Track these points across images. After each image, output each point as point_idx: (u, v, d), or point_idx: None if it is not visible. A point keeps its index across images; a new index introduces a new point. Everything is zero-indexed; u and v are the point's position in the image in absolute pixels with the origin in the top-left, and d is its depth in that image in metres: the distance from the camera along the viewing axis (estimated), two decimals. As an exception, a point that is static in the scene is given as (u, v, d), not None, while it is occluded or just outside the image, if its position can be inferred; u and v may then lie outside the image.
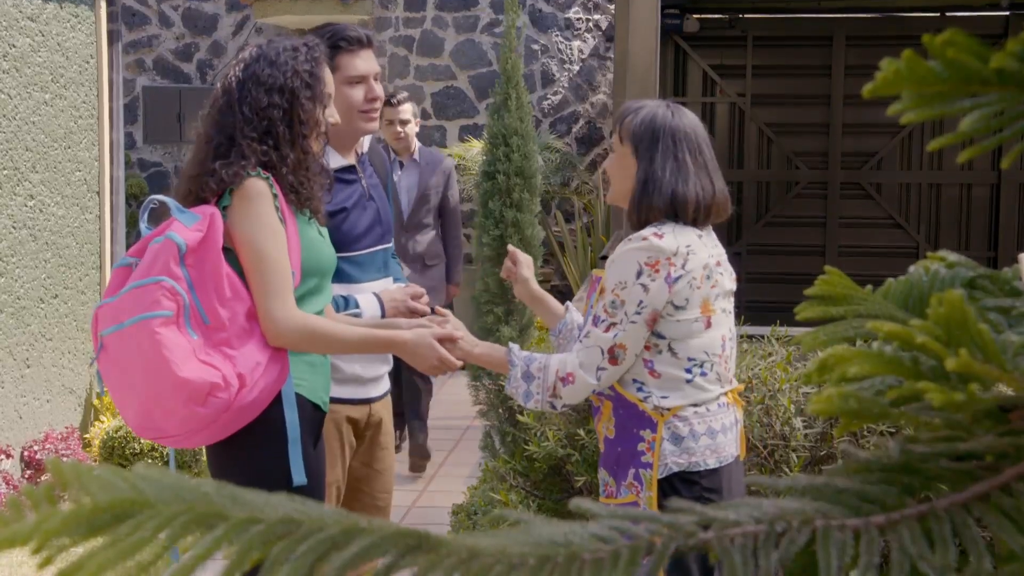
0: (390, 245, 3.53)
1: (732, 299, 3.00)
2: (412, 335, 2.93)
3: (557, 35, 11.54)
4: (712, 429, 2.82)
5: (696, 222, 2.88)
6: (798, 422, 3.55)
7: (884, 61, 0.73)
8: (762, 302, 9.93)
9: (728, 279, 2.96)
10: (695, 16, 10.02)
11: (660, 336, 2.81)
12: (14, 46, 6.02)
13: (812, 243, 10.31)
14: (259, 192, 2.83)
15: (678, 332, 2.80)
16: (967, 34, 0.72)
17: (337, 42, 3.34)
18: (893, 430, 3.24)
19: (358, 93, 3.36)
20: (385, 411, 3.52)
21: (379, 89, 3.42)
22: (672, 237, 2.80)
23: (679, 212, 2.86)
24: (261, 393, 2.80)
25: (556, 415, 4.30)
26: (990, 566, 0.71)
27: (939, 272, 0.96)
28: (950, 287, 0.94)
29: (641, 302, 2.77)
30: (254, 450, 2.88)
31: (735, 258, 10.84)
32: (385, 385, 3.54)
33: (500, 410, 4.77)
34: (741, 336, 4.09)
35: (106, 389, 2.91)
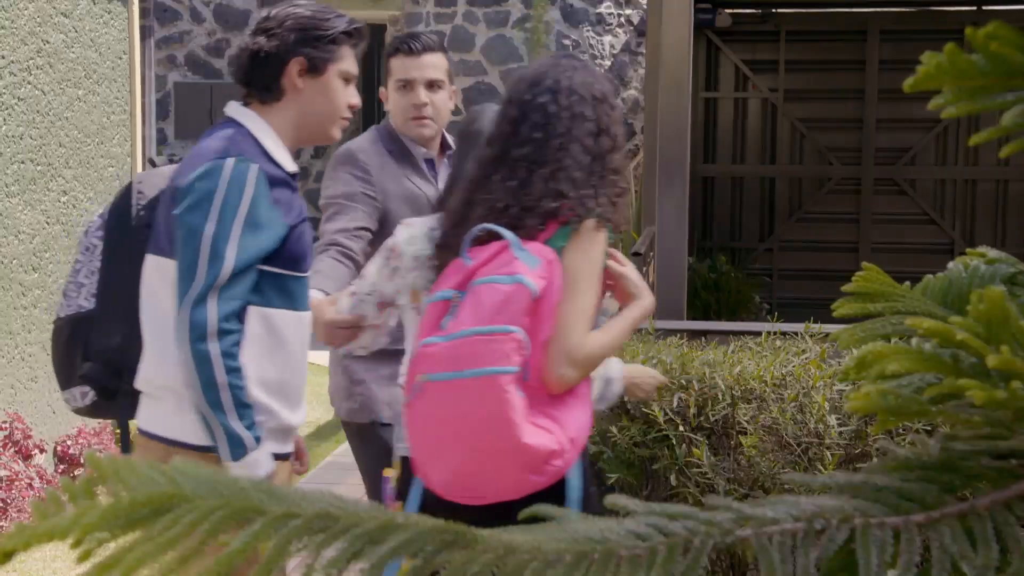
0: None
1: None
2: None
3: (588, 30, 11.52)
4: None
5: None
6: (832, 419, 3.53)
7: (925, 55, 0.72)
8: (794, 298, 9.87)
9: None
10: (727, 11, 9.99)
11: None
12: (47, 42, 6.06)
13: (845, 239, 10.26)
14: (602, 235, 2.51)
15: None
16: (1010, 27, 0.71)
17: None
18: (928, 428, 3.22)
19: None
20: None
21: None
22: None
23: None
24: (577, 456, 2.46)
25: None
26: (1032, 566, 0.70)
27: (979, 268, 0.95)
28: (990, 283, 0.93)
29: None
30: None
31: (766, 254, 10.84)
32: None
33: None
34: (774, 333, 4.06)
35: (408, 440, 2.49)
